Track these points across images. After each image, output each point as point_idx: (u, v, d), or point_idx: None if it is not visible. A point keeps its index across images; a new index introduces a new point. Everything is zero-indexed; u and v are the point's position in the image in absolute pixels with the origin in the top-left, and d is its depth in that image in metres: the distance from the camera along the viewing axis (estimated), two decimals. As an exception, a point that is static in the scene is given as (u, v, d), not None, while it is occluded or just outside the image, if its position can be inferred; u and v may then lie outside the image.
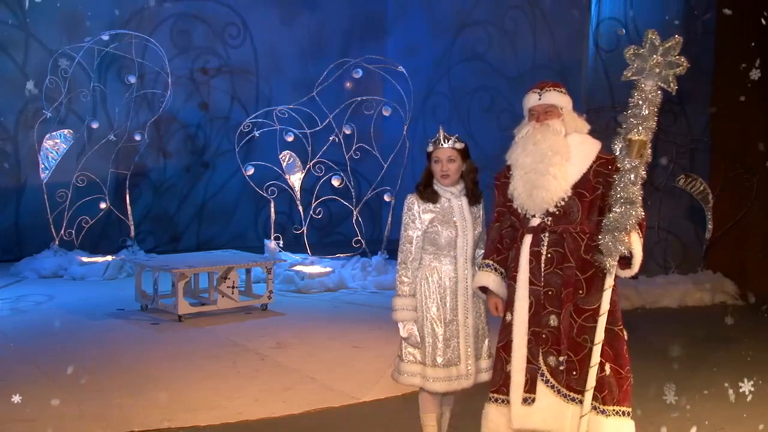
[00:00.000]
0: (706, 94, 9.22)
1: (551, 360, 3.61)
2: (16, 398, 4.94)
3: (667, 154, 8.96)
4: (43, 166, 9.82)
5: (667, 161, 8.92)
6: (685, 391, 5.34)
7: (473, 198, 3.87)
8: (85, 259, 9.69)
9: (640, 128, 3.38)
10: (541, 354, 3.63)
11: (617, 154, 3.48)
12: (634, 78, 3.41)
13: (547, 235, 3.63)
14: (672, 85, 3.38)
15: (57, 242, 9.87)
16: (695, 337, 7.08)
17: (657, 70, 3.37)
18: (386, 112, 9.88)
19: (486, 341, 3.91)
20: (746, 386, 5.45)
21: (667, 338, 7.01)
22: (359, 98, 9.91)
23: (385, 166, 9.83)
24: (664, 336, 7.10)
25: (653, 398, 5.09)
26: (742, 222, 8.94)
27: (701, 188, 8.58)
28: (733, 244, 8.99)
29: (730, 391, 5.29)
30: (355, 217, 9.82)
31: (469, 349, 3.82)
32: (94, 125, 10.35)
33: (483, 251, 3.88)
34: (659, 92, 3.40)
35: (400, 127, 9.93)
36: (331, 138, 9.83)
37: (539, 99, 3.70)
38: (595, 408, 3.57)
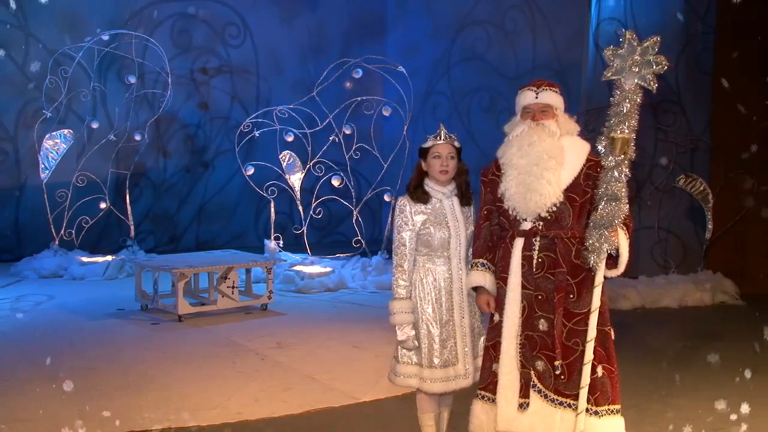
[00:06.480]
0: (706, 94, 9.22)
1: (539, 364, 3.61)
2: (17, 398, 4.95)
3: (667, 154, 8.98)
4: (43, 166, 9.83)
5: (667, 161, 8.94)
6: (684, 391, 5.35)
7: (464, 199, 3.85)
8: (85, 259, 9.69)
9: (622, 126, 3.43)
10: (531, 358, 3.62)
11: (601, 152, 3.51)
12: (614, 78, 3.46)
13: (538, 239, 3.62)
14: (652, 83, 3.43)
15: (57, 242, 9.87)
16: (695, 337, 7.08)
17: (636, 70, 3.42)
18: (386, 112, 9.88)
19: (481, 340, 3.90)
20: (746, 386, 5.46)
21: (667, 338, 7.02)
22: (359, 98, 9.91)
23: (385, 166, 9.83)
24: (663, 336, 7.10)
25: (653, 398, 5.09)
26: (742, 222, 8.94)
27: (701, 188, 8.58)
28: (733, 244, 8.99)
29: (730, 391, 5.29)
30: (355, 217, 9.82)
31: (466, 349, 3.81)
32: (94, 125, 10.36)
33: (472, 249, 3.85)
34: (640, 91, 3.45)
35: (400, 127, 9.94)
36: (331, 138, 9.83)
37: (536, 97, 3.66)
38: (587, 410, 3.54)
